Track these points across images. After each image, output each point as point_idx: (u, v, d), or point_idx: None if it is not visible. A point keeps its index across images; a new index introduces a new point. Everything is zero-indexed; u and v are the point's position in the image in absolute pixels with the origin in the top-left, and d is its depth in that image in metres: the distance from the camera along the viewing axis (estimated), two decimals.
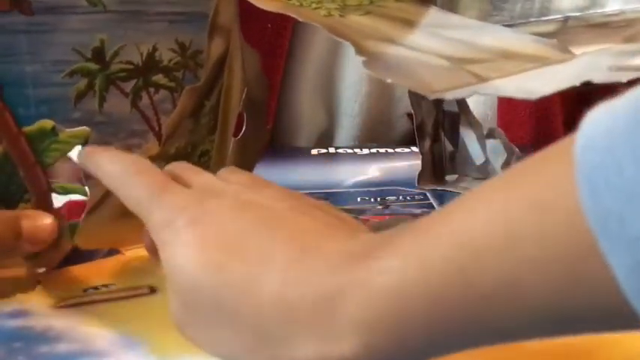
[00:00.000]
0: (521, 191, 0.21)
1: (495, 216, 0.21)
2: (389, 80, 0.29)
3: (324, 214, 0.27)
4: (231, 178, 0.30)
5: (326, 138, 0.65)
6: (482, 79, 0.29)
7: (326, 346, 0.22)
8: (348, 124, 0.64)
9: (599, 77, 0.28)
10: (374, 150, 0.62)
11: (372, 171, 0.57)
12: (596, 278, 0.19)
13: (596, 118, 0.20)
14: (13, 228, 0.32)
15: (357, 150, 0.62)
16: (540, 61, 0.32)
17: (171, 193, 0.27)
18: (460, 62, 0.31)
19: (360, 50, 0.30)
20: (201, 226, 0.25)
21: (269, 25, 0.60)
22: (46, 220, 0.33)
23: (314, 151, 0.61)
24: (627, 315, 0.19)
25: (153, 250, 0.29)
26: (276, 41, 0.61)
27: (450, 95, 0.29)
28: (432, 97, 0.28)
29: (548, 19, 0.41)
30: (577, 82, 0.28)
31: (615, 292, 0.18)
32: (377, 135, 0.64)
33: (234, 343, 0.24)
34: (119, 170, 0.29)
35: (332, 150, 0.62)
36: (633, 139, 0.18)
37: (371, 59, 0.30)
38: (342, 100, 0.64)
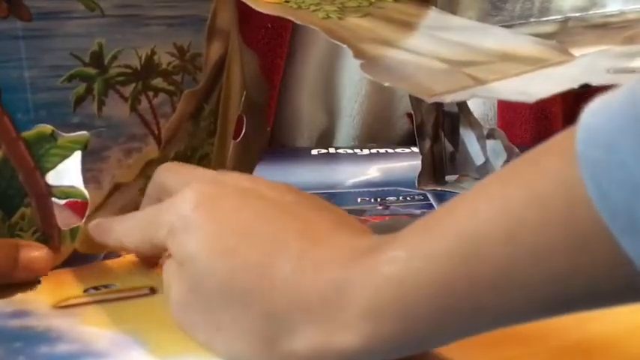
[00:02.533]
0: (521, 184, 0.21)
1: (496, 208, 0.21)
2: (387, 84, 0.29)
3: (329, 212, 0.27)
4: (231, 174, 0.30)
5: (326, 138, 0.65)
6: (480, 82, 0.29)
7: (328, 336, 0.23)
8: (348, 124, 0.64)
9: (597, 80, 0.28)
10: (374, 150, 0.62)
11: (372, 171, 0.57)
12: (604, 264, 0.20)
13: (595, 112, 0.20)
14: (11, 258, 0.33)
15: (357, 150, 0.61)
16: (539, 64, 0.32)
17: (171, 199, 0.27)
18: (458, 65, 0.31)
19: (357, 53, 0.30)
20: (210, 208, 0.25)
21: (269, 25, 0.59)
22: (42, 252, 0.34)
23: (314, 152, 0.61)
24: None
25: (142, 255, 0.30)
26: (276, 41, 0.61)
27: (448, 98, 0.29)
28: (431, 100, 0.28)
29: (548, 20, 0.41)
30: (575, 85, 0.28)
31: (632, 274, 0.19)
32: (377, 135, 0.64)
33: (238, 326, 0.24)
34: (119, 222, 0.31)
35: (332, 150, 0.62)
36: (632, 134, 0.19)
37: (369, 62, 0.30)
38: (342, 100, 0.64)
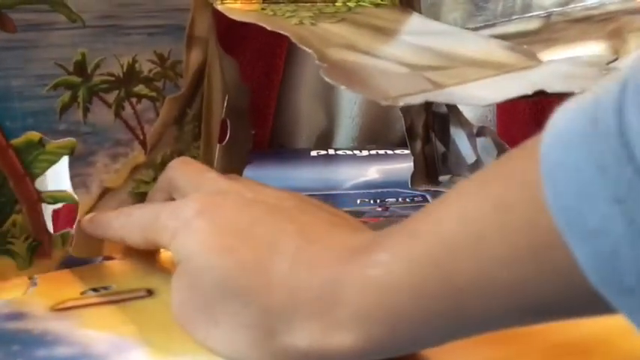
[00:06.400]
0: (488, 191, 0.21)
1: (465, 216, 0.22)
2: (343, 87, 0.29)
3: (327, 214, 0.28)
4: (235, 182, 0.31)
5: (325, 139, 0.65)
6: (438, 86, 0.29)
7: (326, 335, 0.23)
8: (347, 125, 0.64)
9: (553, 86, 0.28)
10: (373, 152, 0.61)
11: (372, 173, 0.57)
12: (561, 269, 0.20)
13: (560, 116, 0.20)
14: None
15: (356, 151, 0.61)
16: (503, 69, 0.32)
17: (173, 202, 0.28)
18: (419, 69, 0.31)
19: (321, 58, 0.30)
20: (211, 215, 0.26)
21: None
22: None
23: (313, 153, 0.61)
24: (593, 301, 0.19)
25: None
26: (275, 42, 0.61)
27: (402, 102, 0.29)
28: (385, 103, 0.28)
29: (530, 16, 0.41)
30: (530, 91, 0.28)
31: (582, 281, 0.19)
32: (376, 136, 0.64)
33: (236, 321, 0.25)
34: (117, 217, 0.32)
35: (331, 151, 0.62)
36: (588, 140, 0.19)
37: (330, 66, 0.30)
38: (342, 101, 0.64)
